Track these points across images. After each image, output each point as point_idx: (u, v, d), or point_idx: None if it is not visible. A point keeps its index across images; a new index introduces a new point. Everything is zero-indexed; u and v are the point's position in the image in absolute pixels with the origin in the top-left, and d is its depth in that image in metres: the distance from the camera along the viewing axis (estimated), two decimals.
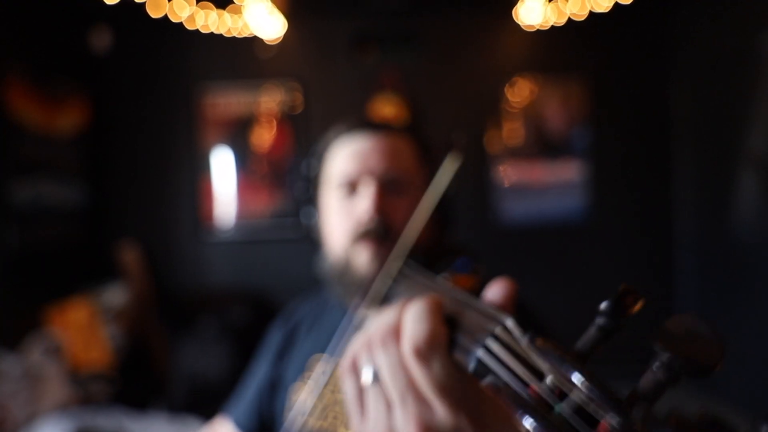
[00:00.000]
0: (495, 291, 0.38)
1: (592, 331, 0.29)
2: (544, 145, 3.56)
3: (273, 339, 1.00)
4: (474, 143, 3.55)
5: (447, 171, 0.58)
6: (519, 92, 3.55)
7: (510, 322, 0.31)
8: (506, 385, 0.29)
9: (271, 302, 3.49)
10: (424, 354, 0.33)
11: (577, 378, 0.26)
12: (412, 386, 0.34)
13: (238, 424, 0.96)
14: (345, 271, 0.84)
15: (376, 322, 0.39)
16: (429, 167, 0.90)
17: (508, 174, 3.56)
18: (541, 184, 3.56)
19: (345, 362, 0.40)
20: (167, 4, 2.91)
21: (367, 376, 0.37)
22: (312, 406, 0.82)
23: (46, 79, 2.98)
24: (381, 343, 0.37)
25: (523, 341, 0.30)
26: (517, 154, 3.57)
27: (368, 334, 0.39)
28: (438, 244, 0.89)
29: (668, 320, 0.26)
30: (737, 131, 2.88)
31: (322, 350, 0.88)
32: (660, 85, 3.57)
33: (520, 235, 3.57)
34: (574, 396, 0.26)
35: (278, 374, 0.94)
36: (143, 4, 2.82)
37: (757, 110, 2.72)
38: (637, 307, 0.28)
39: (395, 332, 0.36)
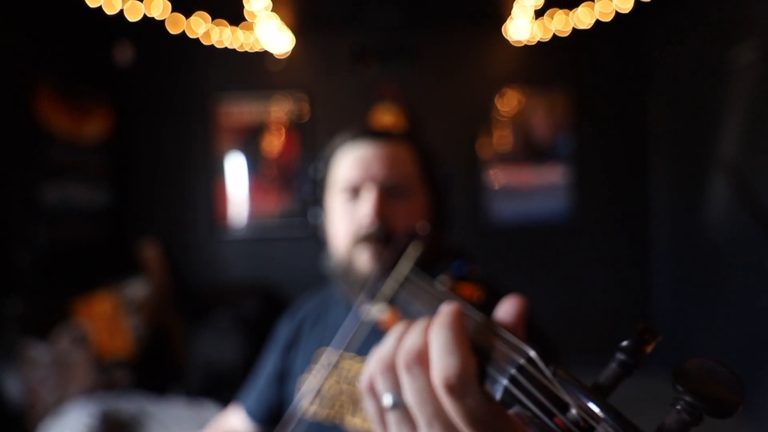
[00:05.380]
0: (507, 309, 0.35)
1: (613, 367, 0.27)
2: (531, 151, 3.55)
3: (281, 333, 0.99)
4: (466, 149, 3.55)
5: (409, 256, 0.54)
6: (508, 102, 3.55)
7: (534, 354, 0.30)
8: (533, 415, 0.28)
9: (280, 296, 3.49)
10: (457, 389, 0.30)
11: (602, 412, 0.25)
12: (440, 414, 0.32)
13: (249, 412, 0.96)
14: (348, 270, 0.82)
15: (396, 343, 0.36)
16: (428, 172, 0.88)
17: (497, 177, 3.56)
18: (528, 187, 3.56)
19: (363, 382, 0.37)
20: (185, 22, 2.91)
21: (387, 400, 0.35)
22: (316, 394, 0.81)
23: (74, 90, 2.98)
24: (405, 369, 0.33)
25: (547, 373, 0.29)
26: (506, 159, 3.56)
27: (388, 356, 0.35)
28: (435, 246, 0.86)
29: (687, 362, 0.25)
30: (709, 139, 2.88)
31: (327, 344, 0.86)
32: (638, 96, 3.57)
33: (509, 234, 3.57)
34: (601, 430, 0.25)
35: (286, 366, 0.93)
36: (163, 22, 2.81)
37: (727, 119, 2.72)
38: (654, 343, 0.27)
39: (420, 359, 0.33)
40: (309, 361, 0.88)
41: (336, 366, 0.82)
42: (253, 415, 0.95)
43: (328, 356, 0.84)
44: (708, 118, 2.89)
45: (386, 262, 0.58)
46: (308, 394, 0.80)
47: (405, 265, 0.55)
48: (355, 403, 0.79)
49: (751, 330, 2.53)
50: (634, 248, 3.59)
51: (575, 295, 3.54)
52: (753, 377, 2.45)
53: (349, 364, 0.82)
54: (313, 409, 0.81)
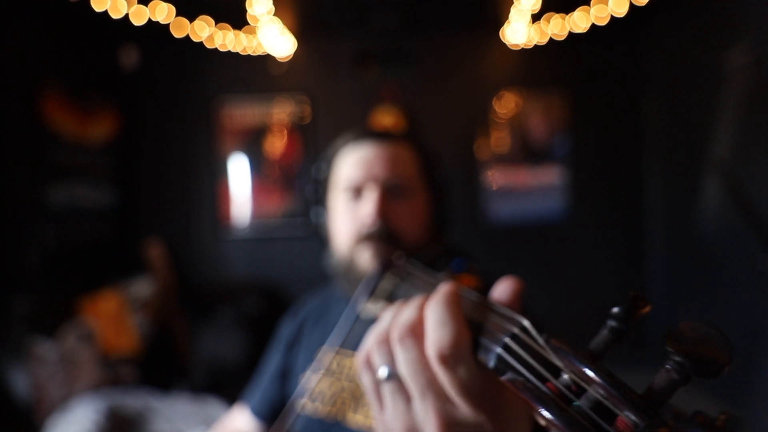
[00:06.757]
0: (503, 289, 0.36)
1: (604, 333, 0.27)
2: (527, 152, 3.56)
3: (283, 332, 0.98)
4: (465, 150, 3.55)
5: (386, 284, 0.55)
6: (505, 104, 3.55)
7: (527, 323, 0.30)
8: (526, 380, 0.28)
9: (282, 293, 3.49)
10: (450, 359, 0.31)
11: (594, 375, 0.25)
12: (433, 384, 0.32)
13: (254, 410, 0.96)
14: (350, 268, 0.82)
15: (392, 318, 0.36)
16: (429, 173, 0.88)
17: (495, 178, 3.56)
18: (525, 188, 3.56)
19: (360, 357, 0.38)
20: (189, 25, 2.91)
21: (382, 372, 0.35)
22: (317, 392, 0.81)
23: (80, 93, 2.98)
24: (399, 341, 0.34)
25: (540, 340, 0.29)
26: (504, 160, 3.56)
27: (383, 331, 0.36)
28: (435, 244, 0.86)
29: (679, 324, 0.25)
30: (702, 139, 2.88)
31: (330, 342, 0.87)
32: (632, 98, 3.57)
33: (506, 234, 3.57)
34: (592, 391, 0.25)
35: (289, 364, 0.93)
36: (167, 26, 2.81)
37: (719, 120, 2.73)
38: (645, 311, 0.27)
39: (414, 331, 0.34)
40: (311, 359, 0.87)
41: (337, 363, 0.82)
42: (258, 413, 0.95)
43: (329, 354, 0.84)
44: (701, 120, 2.89)
45: (365, 290, 0.57)
46: (310, 392, 0.80)
47: (380, 296, 0.54)
48: (356, 399, 0.79)
49: (743, 327, 2.53)
50: (629, 247, 3.59)
51: (571, 294, 3.54)
52: (745, 373, 2.45)
53: (350, 361, 0.82)
54: (315, 406, 0.81)
